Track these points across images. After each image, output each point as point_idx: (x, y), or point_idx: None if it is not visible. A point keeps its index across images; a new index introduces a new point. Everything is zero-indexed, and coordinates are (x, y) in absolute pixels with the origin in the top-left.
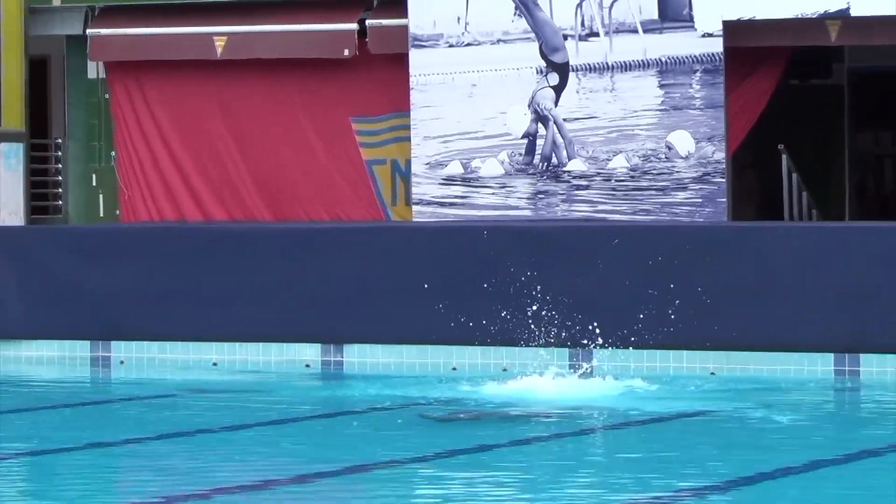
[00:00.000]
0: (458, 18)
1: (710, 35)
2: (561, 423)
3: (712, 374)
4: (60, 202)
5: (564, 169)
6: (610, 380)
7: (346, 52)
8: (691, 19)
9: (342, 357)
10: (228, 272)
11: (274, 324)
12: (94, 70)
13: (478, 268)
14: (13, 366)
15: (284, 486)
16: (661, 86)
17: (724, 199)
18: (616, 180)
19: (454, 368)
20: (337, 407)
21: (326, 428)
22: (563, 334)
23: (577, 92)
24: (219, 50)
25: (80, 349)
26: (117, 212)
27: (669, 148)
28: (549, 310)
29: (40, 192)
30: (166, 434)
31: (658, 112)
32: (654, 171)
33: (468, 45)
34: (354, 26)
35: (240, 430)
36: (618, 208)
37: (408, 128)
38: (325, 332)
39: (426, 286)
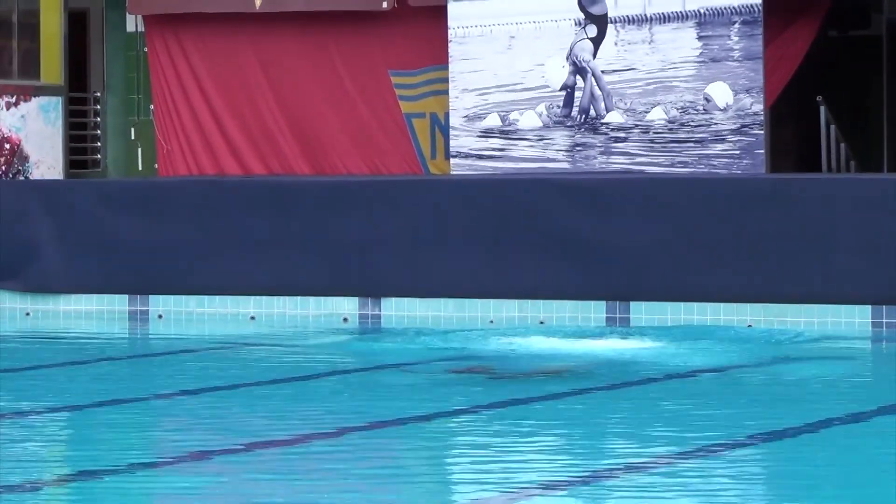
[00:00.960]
0: None
1: None
2: (593, 378)
3: (749, 326)
4: (99, 156)
5: (602, 121)
6: (646, 335)
7: (385, 5)
8: None
9: (380, 311)
10: (266, 226)
11: (312, 277)
12: (132, 23)
13: (516, 221)
14: (52, 320)
15: (320, 440)
16: (700, 37)
17: (762, 152)
18: (654, 132)
19: (491, 322)
20: (374, 361)
21: (362, 382)
22: (601, 287)
23: (616, 44)
24: (257, 2)
25: (118, 303)
26: (155, 165)
27: (708, 100)
28: (586, 263)
29: (79, 146)
30: (202, 388)
31: (696, 64)
32: (692, 124)
33: None
34: None
35: (276, 384)
36: (655, 161)
37: (446, 81)
38: (362, 285)
39: (464, 240)
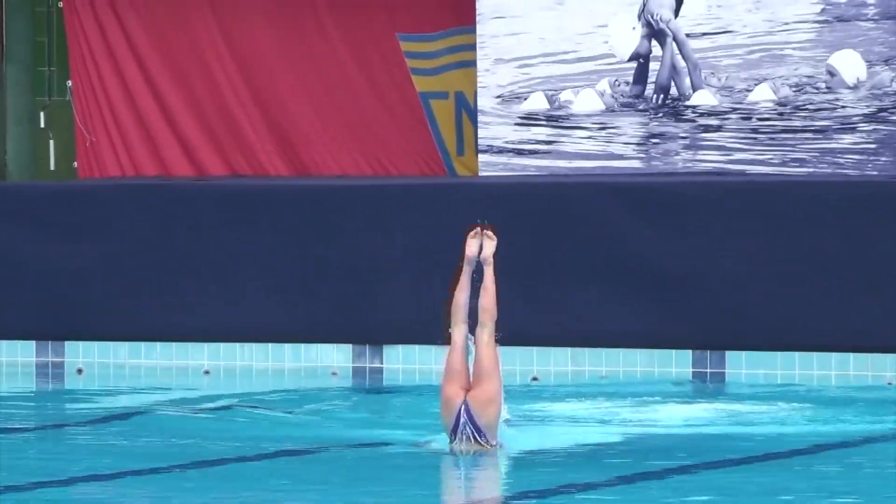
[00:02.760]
0: None
1: None
2: (670, 456)
3: (889, 384)
4: None
5: (687, 103)
6: (748, 396)
7: None
8: None
9: (381, 363)
10: (227, 248)
11: (289, 318)
12: None
13: (568, 241)
14: None
15: None
16: None
17: None
18: (758, 119)
19: (535, 378)
20: (374, 436)
21: (359, 462)
22: (685, 332)
23: None
24: None
25: (21, 352)
26: (74, 164)
27: (832, 74)
28: (665, 298)
29: None
30: (138, 471)
31: (816, 25)
32: (811, 107)
33: None
34: None
35: (244, 462)
36: (760, 157)
37: (473, 48)
38: (358, 329)
39: (498, 266)
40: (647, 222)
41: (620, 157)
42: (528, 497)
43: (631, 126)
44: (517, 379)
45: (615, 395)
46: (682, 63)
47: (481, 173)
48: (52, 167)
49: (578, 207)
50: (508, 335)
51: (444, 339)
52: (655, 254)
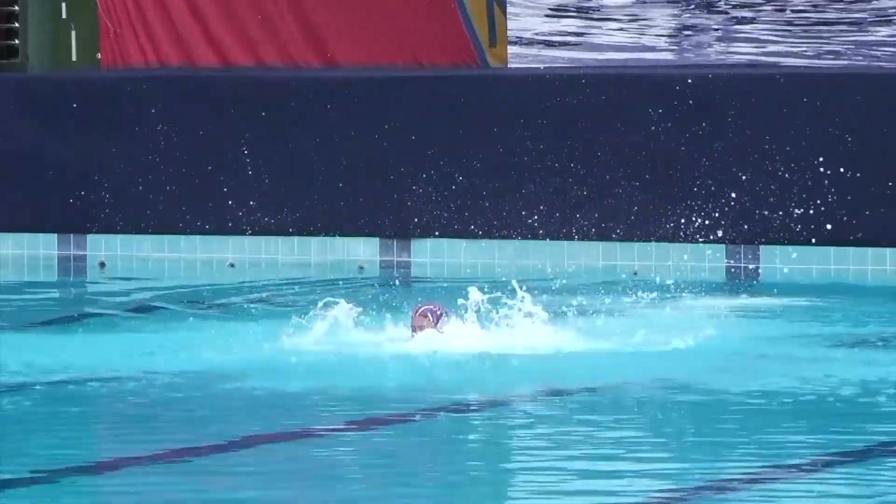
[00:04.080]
0: None
1: None
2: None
3: None
4: (17, 41)
5: None
6: (781, 289)
7: None
8: None
9: (409, 256)
10: (255, 139)
11: (315, 211)
12: None
13: (599, 133)
14: None
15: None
16: None
17: None
18: (792, 10)
19: (560, 277)
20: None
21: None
22: (718, 227)
23: None
24: None
25: (44, 246)
26: (98, 55)
27: None
28: (697, 193)
29: None
30: (157, 371)
31: None
32: None
33: None
34: None
35: (264, 371)
36: (794, 49)
37: None
38: (386, 222)
39: (529, 160)
40: (681, 115)
41: (652, 48)
42: None
43: (663, 18)
44: (545, 272)
45: (646, 290)
46: None
47: (511, 64)
48: (73, 58)
49: (611, 100)
50: (538, 230)
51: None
52: (688, 148)
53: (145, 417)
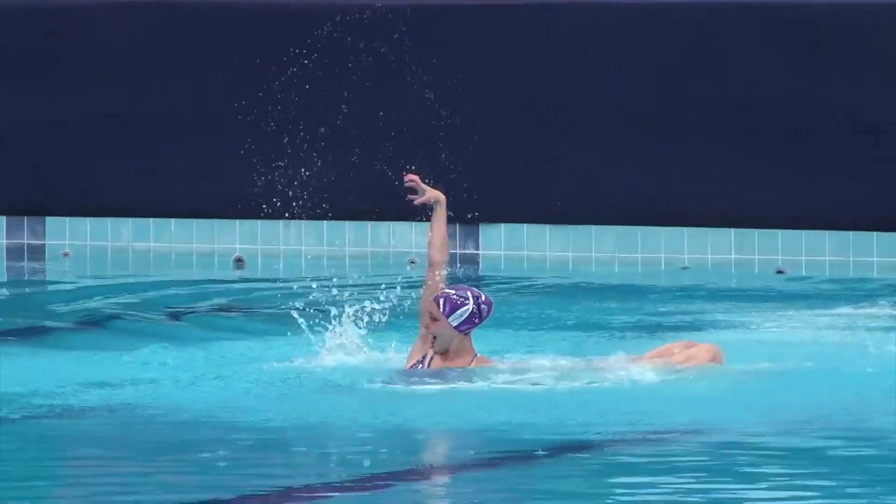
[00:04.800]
0: None
1: None
2: None
3: None
4: None
5: None
6: None
7: None
8: None
9: (477, 247)
10: (271, 88)
11: (352, 190)
12: None
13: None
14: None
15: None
16: None
17: None
18: None
19: (686, 267)
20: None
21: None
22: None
23: None
24: None
25: None
26: None
27: None
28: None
29: None
30: (139, 404)
31: None
32: None
33: None
34: None
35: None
36: None
37: None
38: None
39: (620, 119)
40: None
41: None
42: None
43: None
44: (651, 264)
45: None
46: None
47: None
48: None
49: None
50: (639, 213)
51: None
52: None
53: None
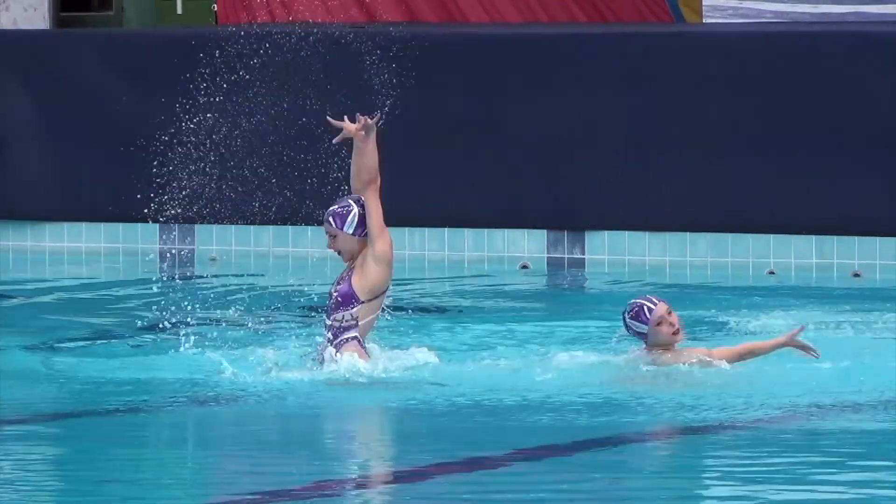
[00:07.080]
0: None
1: None
2: None
3: None
4: None
5: None
6: None
7: None
8: None
9: (583, 251)
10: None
11: (471, 199)
12: None
13: (810, 103)
14: (31, 266)
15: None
16: None
17: None
18: None
19: (771, 272)
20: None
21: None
22: None
23: None
24: None
25: (144, 237)
26: (213, 7)
27: None
28: None
29: None
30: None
31: None
32: None
33: None
34: None
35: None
36: None
37: None
38: (553, 210)
39: (727, 136)
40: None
41: (878, 0)
42: None
43: None
44: (750, 271)
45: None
46: None
47: (706, 20)
48: (178, 10)
49: (825, 62)
50: (743, 220)
51: None
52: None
53: None
